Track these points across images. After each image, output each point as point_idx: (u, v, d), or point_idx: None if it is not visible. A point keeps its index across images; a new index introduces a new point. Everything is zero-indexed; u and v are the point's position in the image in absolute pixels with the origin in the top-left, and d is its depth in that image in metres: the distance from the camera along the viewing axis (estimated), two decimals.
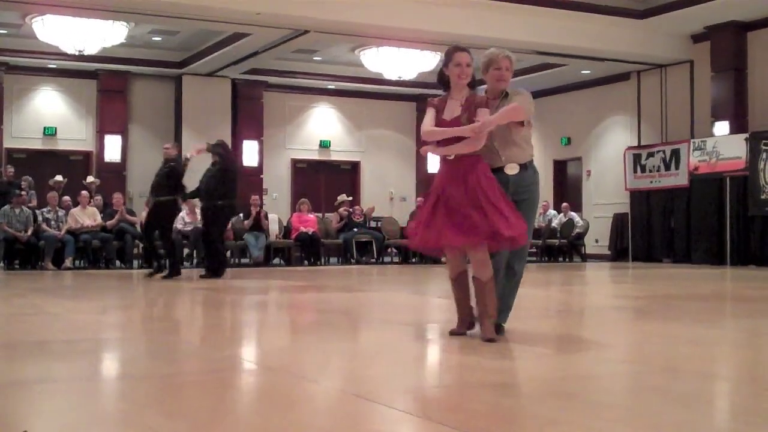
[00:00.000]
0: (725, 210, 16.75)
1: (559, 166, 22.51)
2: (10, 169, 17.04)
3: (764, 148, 16.01)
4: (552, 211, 20.51)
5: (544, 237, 19.70)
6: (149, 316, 7.41)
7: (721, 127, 17.21)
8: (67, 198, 16.27)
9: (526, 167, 5.54)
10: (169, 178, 12.24)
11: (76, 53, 16.56)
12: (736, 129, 16.92)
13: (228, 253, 17.27)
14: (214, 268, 12.39)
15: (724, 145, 16.86)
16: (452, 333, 5.46)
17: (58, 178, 17.27)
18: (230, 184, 12.29)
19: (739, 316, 7.87)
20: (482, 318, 5.24)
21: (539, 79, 20.46)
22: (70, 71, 19.54)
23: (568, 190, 22.21)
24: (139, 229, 15.20)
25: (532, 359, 4.84)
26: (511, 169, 5.45)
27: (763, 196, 16.03)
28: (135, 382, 4.12)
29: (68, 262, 15.17)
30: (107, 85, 19.81)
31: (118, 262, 15.85)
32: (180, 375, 4.34)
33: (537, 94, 21.56)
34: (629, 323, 7.01)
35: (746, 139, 16.43)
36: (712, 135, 17.29)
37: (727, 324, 7.06)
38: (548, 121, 21.94)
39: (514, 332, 6.31)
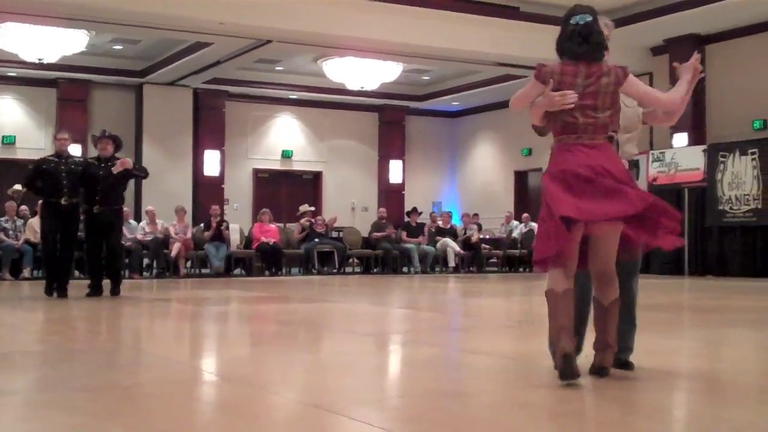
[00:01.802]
0: (683, 220, 16.91)
1: (520, 177, 22.68)
2: None
3: (722, 159, 16.21)
4: (514, 222, 20.63)
5: (505, 247, 19.81)
6: (109, 327, 7.36)
7: (680, 139, 17.41)
8: (24, 207, 16.09)
9: (631, 166, 4.70)
10: (81, 177, 10.48)
11: (36, 61, 16.41)
12: (694, 141, 17.13)
13: (188, 264, 17.21)
14: (117, 280, 10.59)
15: (682, 156, 17.06)
16: (566, 374, 4.04)
17: (17, 187, 17.07)
18: (125, 190, 10.97)
19: (697, 326, 7.95)
20: (600, 347, 4.31)
21: (501, 90, 20.55)
22: (29, 79, 19.35)
23: (529, 200, 22.35)
24: None
25: (493, 369, 4.85)
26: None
27: (720, 207, 16.22)
28: (95, 394, 4.08)
29: (26, 273, 15.00)
30: (67, 94, 19.63)
31: (77, 272, 15.68)
32: (140, 386, 4.31)
33: (499, 105, 21.78)
34: (588, 333, 7.05)
35: (704, 151, 16.63)
36: (670, 146, 17.48)
37: (685, 334, 7.14)
38: (509, 132, 22.09)
39: (474, 342, 6.34)
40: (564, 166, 4.18)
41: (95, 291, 10.38)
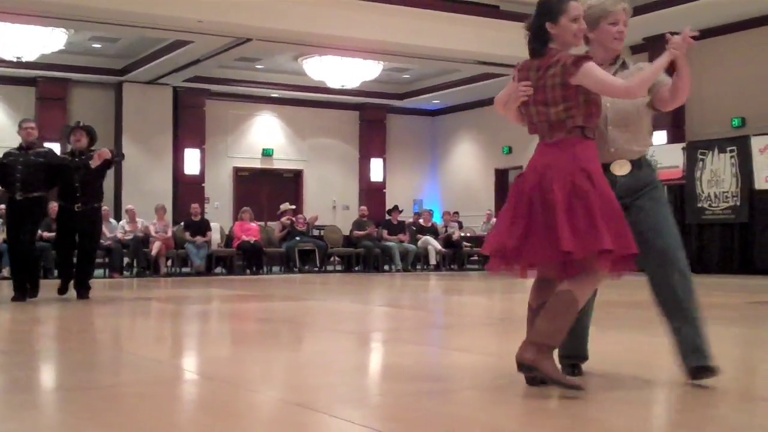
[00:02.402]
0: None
1: (501, 175, 22.72)
2: None
3: (701, 157, 16.30)
4: (494, 220, 20.68)
5: None
6: (89, 326, 7.32)
7: (659, 137, 17.48)
8: (1, 206, 15.97)
9: (640, 165, 4.19)
10: (46, 169, 9.68)
11: (15, 60, 16.31)
12: (673, 138, 17.22)
13: (168, 262, 17.15)
14: (86, 285, 10.00)
15: (661, 154, 17.12)
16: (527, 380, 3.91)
17: None
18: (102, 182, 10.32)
19: None
20: (530, 336, 3.85)
21: (481, 88, 20.62)
22: (8, 78, 19.21)
23: None
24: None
25: (474, 366, 4.86)
26: (620, 168, 4.15)
27: (699, 205, 16.31)
28: (75, 393, 4.06)
29: (5, 272, 14.89)
30: (46, 93, 19.52)
31: (56, 272, 15.57)
32: (121, 386, 4.29)
33: (479, 104, 21.84)
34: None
35: (683, 149, 16.72)
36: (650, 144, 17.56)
37: (664, 331, 7.16)
38: (490, 130, 22.15)
39: (456, 340, 6.35)
40: (525, 169, 4.01)
41: (63, 292, 10.01)
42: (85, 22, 15.48)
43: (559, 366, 3.92)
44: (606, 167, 4.05)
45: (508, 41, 16.96)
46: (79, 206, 9.72)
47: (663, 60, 3.96)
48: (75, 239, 9.98)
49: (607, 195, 3.81)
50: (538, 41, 3.95)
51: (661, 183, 4.30)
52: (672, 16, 16.18)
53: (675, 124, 17.38)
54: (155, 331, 7.47)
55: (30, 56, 16.32)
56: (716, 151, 16.09)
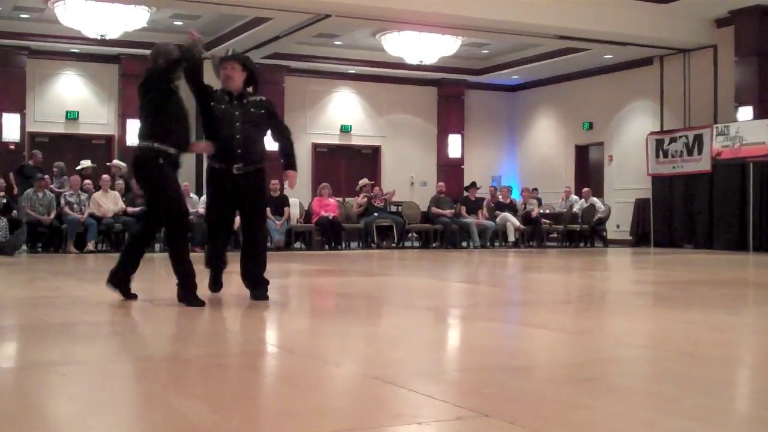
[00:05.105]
0: (748, 196, 16.65)
1: (581, 151, 22.46)
2: (38, 154, 17.22)
3: None
4: (574, 197, 20.48)
5: (565, 222, 19.68)
6: (172, 299, 7.46)
7: (745, 113, 17.10)
8: (88, 182, 16.37)
9: None
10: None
11: (98, 38, 16.65)
12: (759, 114, 16.80)
13: None
14: (263, 279, 7.40)
15: (747, 130, 16.76)
16: None
17: (87, 163, 17.38)
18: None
19: (760, 302, 7.84)
20: None
21: (562, 63, 20.38)
22: (92, 56, 19.63)
23: (589, 175, 22.16)
24: None
25: (552, 343, 4.84)
26: None
27: None
28: (158, 364, 4.16)
29: (91, 246, 15.28)
30: (129, 70, 19.84)
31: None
32: (203, 357, 4.37)
33: (559, 79, 21.62)
34: (650, 309, 7.00)
35: None
36: (735, 120, 17.19)
37: (748, 311, 7.04)
38: (570, 106, 21.90)
39: (534, 317, 6.33)
40: None
41: (216, 286, 7.61)
42: (167, 0, 15.69)
43: None
44: None
45: (589, 15, 16.75)
46: (240, 167, 7.08)
47: None
48: (230, 213, 7.23)
49: None
50: None
51: None
52: None
53: (762, 100, 16.97)
54: (236, 304, 7.57)
55: (113, 34, 16.63)
56: None
